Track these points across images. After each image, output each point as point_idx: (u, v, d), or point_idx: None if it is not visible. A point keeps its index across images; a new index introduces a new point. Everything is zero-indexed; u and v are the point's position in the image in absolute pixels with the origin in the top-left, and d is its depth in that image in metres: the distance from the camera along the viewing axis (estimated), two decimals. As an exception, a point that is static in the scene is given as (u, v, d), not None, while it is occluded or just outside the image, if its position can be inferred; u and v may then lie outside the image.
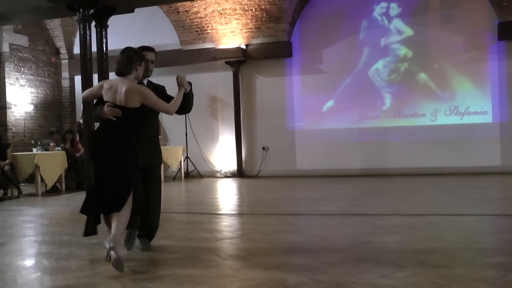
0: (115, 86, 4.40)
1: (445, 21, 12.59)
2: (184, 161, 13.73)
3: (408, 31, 12.82)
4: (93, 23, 9.73)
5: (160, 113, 5.06)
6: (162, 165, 12.17)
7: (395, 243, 4.94)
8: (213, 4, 13.26)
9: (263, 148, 13.60)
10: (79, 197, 8.42)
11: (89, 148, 4.50)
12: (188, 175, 13.85)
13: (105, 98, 4.42)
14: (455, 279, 3.58)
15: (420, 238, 5.19)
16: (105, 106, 4.34)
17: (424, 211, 6.97)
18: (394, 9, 12.90)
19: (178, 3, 13.19)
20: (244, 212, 7.93)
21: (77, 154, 11.55)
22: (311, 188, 10.66)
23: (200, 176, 13.67)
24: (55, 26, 15.08)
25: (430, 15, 12.69)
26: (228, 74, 13.81)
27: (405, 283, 3.53)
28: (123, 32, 13.39)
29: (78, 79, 12.61)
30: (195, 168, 13.75)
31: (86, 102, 8.22)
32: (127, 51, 4.49)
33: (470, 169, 12.00)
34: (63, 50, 15.56)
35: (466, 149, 12.05)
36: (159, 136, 13.77)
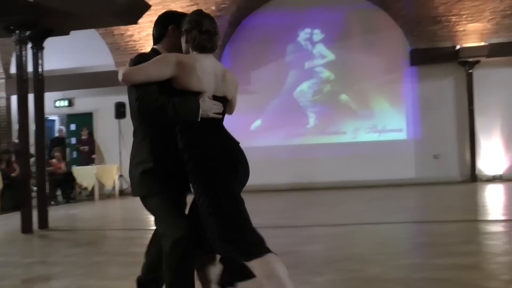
0: (208, 68, 2.93)
1: (365, 47, 13.59)
2: (118, 179, 13.90)
3: (330, 56, 13.73)
4: (30, 44, 9.88)
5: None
6: (97, 184, 12.56)
7: (317, 251, 5.46)
8: (147, 28, 13.65)
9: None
10: (15, 217, 8.45)
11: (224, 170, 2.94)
12: (122, 193, 13.96)
13: (194, 83, 2.87)
14: (368, 281, 4.10)
15: (339, 246, 5.73)
16: (206, 97, 2.89)
17: (345, 221, 7.55)
18: (317, 34, 13.76)
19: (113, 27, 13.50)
20: None
21: (13, 174, 11.65)
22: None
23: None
24: (-9, 45, 14.97)
25: (351, 41, 13.64)
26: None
27: (323, 287, 4.02)
28: (61, 53, 13.62)
29: (14, 99, 12.70)
30: (129, 186, 13.85)
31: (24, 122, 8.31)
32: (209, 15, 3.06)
33: (388, 182, 12.95)
34: (0, 70, 15.44)
35: (384, 163, 13.00)
36: (93, 156, 14.04)
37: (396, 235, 6.50)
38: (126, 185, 13.91)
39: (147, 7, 10.28)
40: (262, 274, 2.74)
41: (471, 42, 13.19)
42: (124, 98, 13.44)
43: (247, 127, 13.96)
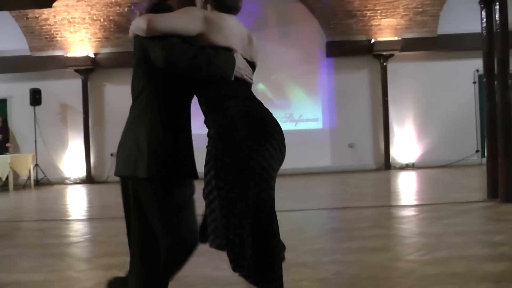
0: (235, 28, 2.62)
1: (282, 37, 13.73)
2: (33, 168, 13.46)
3: (247, 45, 13.78)
4: None
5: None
6: (11, 173, 12.09)
7: None
8: (63, 12, 13.25)
9: (111, 155, 13.80)
10: None
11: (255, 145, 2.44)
12: (38, 183, 13.57)
13: (222, 41, 2.51)
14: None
15: None
16: (239, 55, 2.55)
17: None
18: (235, 24, 13.78)
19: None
20: (92, 216, 8.03)
21: None
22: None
23: (50, 183, 13.50)
24: None
25: (268, 31, 13.70)
26: (78, 82, 13.89)
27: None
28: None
29: None
30: (45, 176, 13.60)
31: None
32: None
33: (304, 170, 13.22)
34: None
35: (301, 152, 13.21)
36: (7, 144, 13.52)
37: (308, 222, 6.65)
38: (42, 175, 13.53)
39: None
40: None
41: (385, 36, 13.66)
42: (40, 84, 13.37)
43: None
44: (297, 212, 7.34)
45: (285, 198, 8.89)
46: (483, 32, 7.82)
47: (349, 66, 13.70)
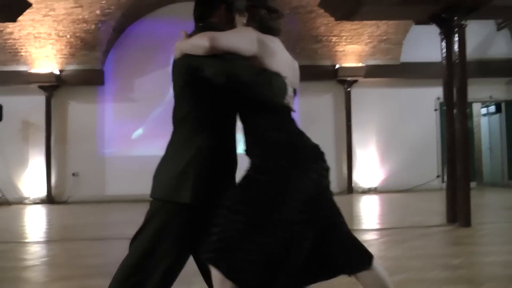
0: (282, 53, 2.63)
1: (246, 60, 13.82)
2: (-10, 187, 13.04)
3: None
4: None
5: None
6: None
7: (191, 262, 5.49)
8: (28, 26, 13.04)
9: (73, 174, 13.62)
10: None
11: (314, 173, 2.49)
12: (-6, 203, 13.10)
13: (274, 65, 2.49)
14: None
15: None
16: (288, 82, 2.50)
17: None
18: (203, 45, 13.80)
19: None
20: (51, 238, 7.85)
21: None
22: (120, 213, 10.91)
23: (8, 203, 13.03)
24: None
25: (234, 53, 13.79)
26: (41, 99, 13.64)
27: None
28: None
29: None
30: (3, 195, 13.18)
31: None
32: None
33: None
34: None
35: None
36: None
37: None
38: (0, 194, 13.18)
39: (27, 5, 9.91)
40: None
41: (350, 62, 13.91)
42: (1, 100, 13.04)
43: (128, 135, 13.75)
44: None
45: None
46: (443, 61, 8.03)
47: (314, 91, 13.84)
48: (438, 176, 14.04)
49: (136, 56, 13.78)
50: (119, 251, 6.17)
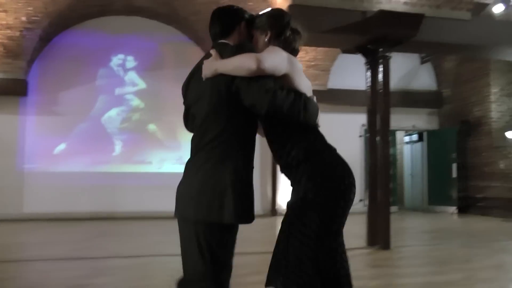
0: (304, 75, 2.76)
1: (177, 79, 13.45)
2: None
3: (141, 84, 13.59)
4: None
5: None
6: None
7: (106, 285, 5.27)
8: None
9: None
10: None
11: (346, 183, 2.61)
12: None
13: (302, 85, 2.64)
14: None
15: (131, 279, 5.61)
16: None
17: (141, 253, 7.43)
18: (130, 62, 13.57)
19: None
20: None
21: None
22: (37, 233, 10.45)
23: None
24: None
25: (164, 72, 13.60)
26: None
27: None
28: None
29: None
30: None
31: None
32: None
33: (192, 214, 12.97)
34: None
35: (189, 196, 13.11)
36: None
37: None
38: None
39: None
40: None
41: (277, 85, 14.02)
42: None
43: (50, 150, 13.16)
44: (179, 257, 7.15)
45: (168, 242, 8.67)
46: (368, 90, 8.24)
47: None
48: (361, 200, 14.28)
49: (63, 68, 13.28)
50: (33, 274, 5.93)
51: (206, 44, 13.64)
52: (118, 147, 13.43)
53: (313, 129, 2.68)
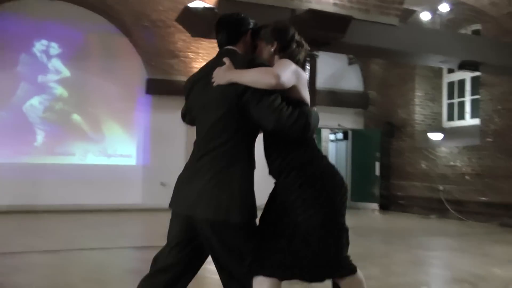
0: None
1: (103, 69, 13.33)
2: None
3: (66, 72, 13.12)
4: None
5: None
6: None
7: (23, 282, 5.08)
8: None
9: None
10: None
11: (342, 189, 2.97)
12: None
13: (306, 96, 2.83)
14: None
15: (49, 274, 5.48)
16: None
17: (61, 247, 7.24)
18: (55, 48, 13.06)
19: None
20: None
21: None
22: None
23: None
24: None
25: (90, 61, 13.24)
26: None
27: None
28: None
29: None
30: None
31: None
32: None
33: (115, 207, 12.75)
34: None
35: (112, 188, 12.84)
36: None
37: (110, 262, 6.42)
38: None
39: None
40: None
41: (206, 79, 13.98)
42: None
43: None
44: (100, 251, 7.09)
45: (90, 236, 8.57)
46: (294, 87, 8.35)
47: (168, 105, 13.71)
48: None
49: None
50: None
51: (133, 35, 13.40)
52: (40, 137, 12.91)
53: (309, 138, 2.81)
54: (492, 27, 11.75)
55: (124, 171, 13.40)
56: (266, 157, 2.89)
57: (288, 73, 2.66)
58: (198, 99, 2.84)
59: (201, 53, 13.79)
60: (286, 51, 2.89)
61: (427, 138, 13.95)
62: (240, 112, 2.66)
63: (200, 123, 2.83)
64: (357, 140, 16.40)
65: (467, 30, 13.20)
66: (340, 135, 17.36)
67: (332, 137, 17.85)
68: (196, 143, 2.85)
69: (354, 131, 16.51)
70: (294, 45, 2.92)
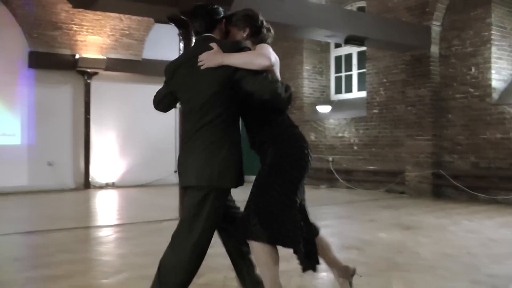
0: None
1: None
2: None
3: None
4: None
5: None
6: None
7: None
8: None
9: None
10: None
11: (306, 151, 3.26)
12: None
13: (278, 74, 3.27)
14: None
15: None
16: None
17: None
18: None
19: None
20: None
21: None
22: None
23: None
24: None
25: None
26: None
27: None
28: None
29: None
30: None
31: None
32: None
33: (-1, 190, 12.10)
34: None
35: (-6, 169, 12.20)
36: None
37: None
38: None
39: None
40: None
41: (91, 53, 13.53)
42: None
43: None
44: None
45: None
46: (181, 61, 8.23)
47: (52, 80, 13.16)
48: (175, 171, 14.42)
49: None
50: None
51: (12, 3, 12.56)
52: None
53: (283, 111, 3.26)
54: (376, 4, 12.22)
55: (7, 151, 12.64)
56: (248, 131, 3.29)
57: (272, 56, 3.05)
58: (184, 81, 3.13)
59: (85, 26, 13.30)
60: (257, 36, 3.30)
61: (316, 110, 14.33)
62: (230, 91, 3.04)
63: (189, 103, 3.12)
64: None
65: (353, 7, 13.64)
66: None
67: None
68: (187, 121, 3.15)
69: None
70: (264, 30, 3.34)
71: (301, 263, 3.17)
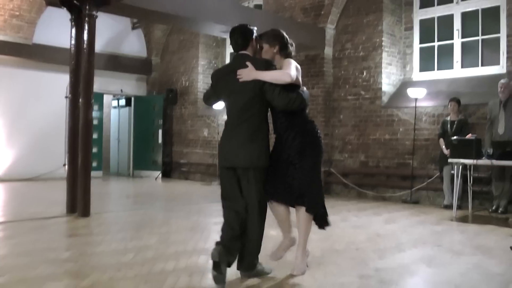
0: None
1: None
2: None
3: None
4: None
5: None
6: None
7: None
8: None
9: None
10: None
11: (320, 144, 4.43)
12: None
13: (300, 80, 4.35)
14: None
15: None
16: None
17: None
18: None
19: None
20: None
21: None
22: None
23: None
24: None
25: None
26: None
27: None
28: None
29: None
30: None
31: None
32: None
33: None
34: None
35: None
36: None
37: None
38: None
39: None
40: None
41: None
42: None
43: None
44: None
45: None
46: (72, 49, 7.89)
47: None
48: (64, 165, 13.80)
49: None
50: None
51: None
52: None
53: (303, 109, 4.32)
54: (272, 2, 12.31)
55: None
56: (274, 121, 4.33)
57: (294, 70, 4.09)
58: (227, 88, 4.19)
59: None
60: (285, 51, 4.33)
61: (209, 106, 14.22)
62: (261, 97, 4.10)
63: (231, 104, 4.20)
64: (139, 107, 16.23)
65: (250, 4, 13.70)
66: (122, 101, 17.00)
67: (114, 103, 17.41)
68: (230, 117, 4.23)
69: (137, 97, 16.29)
70: (289, 46, 4.38)
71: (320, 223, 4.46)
